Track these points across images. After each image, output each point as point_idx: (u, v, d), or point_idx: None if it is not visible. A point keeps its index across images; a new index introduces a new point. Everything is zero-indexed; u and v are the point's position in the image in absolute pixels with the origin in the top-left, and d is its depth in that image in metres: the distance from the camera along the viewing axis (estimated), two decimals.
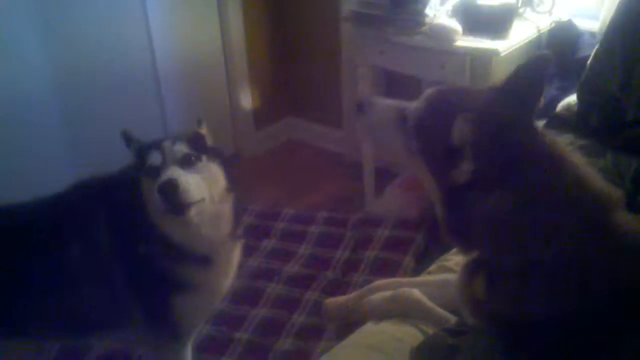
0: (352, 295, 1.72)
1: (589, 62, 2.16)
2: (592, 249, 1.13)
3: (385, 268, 2.65)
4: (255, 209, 3.18)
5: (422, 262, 2.67)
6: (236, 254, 1.91)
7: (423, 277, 1.69)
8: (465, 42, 2.50)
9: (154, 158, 1.67)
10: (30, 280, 1.73)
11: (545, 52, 1.75)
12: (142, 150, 1.72)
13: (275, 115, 3.87)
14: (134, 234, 1.75)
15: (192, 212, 1.64)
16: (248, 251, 2.86)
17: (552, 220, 1.13)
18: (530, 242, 1.14)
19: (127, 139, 1.77)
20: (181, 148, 1.68)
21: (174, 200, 1.60)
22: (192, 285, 1.79)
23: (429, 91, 1.28)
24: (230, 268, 1.90)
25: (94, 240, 1.69)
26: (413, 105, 1.28)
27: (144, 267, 1.76)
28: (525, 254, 1.15)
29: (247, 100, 3.68)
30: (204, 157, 1.71)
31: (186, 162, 1.67)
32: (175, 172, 1.63)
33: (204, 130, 1.81)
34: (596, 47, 2.16)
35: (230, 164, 1.84)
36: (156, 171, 1.64)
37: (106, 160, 1.81)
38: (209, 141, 1.80)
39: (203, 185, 1.68)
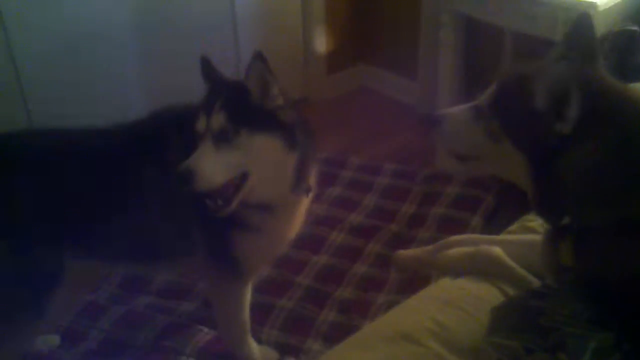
0: (427, 248, 1.65)
1: None
2: None
3: (452, 226, 2.57)
4: (322, 155, 3.11)
5: (491, 222, 2.59)
6: (302, 206, 1.85)
7: (503, 236, 1.61)
8: None
9: (199, 124, 1.60)
10: (104, 203, 1.73)
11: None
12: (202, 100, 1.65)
13: (349, 61, 3.77)
14: None
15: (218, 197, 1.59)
16: (313, 197, 2.83)
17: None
18: (622, 196, 1.12)
19: (205, 68, 1.70)
20: (220, 119, 1.56)
21: (192, 188, 1.54)
22: (254, 228, 1.76)
23: (498, 77, 1.30)
24: (294, 218, 1.85)
25: (167, 168, 1.65)
26: (487, 92, 1.28)
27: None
28: (618, 209, 1.12)
29: (321, 43, 3.59)
30: (243, 132, 1.56)
31: (223, 138, 1.56)
32: (202, 156, 1.55)
33: (253, 79, 1.60)
34: None
35: (294, 114, 1.69)
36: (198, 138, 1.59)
37: (179, 96, 1.76)
38: (273, 88, 1.60)
39: (241, 161, 1.58)
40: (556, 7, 2.34)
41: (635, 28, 2.39)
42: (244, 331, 2.03)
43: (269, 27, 3.33)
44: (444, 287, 1.46)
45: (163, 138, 1.74)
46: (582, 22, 1.26)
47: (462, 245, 1.54)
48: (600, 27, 2.36)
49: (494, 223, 2.50)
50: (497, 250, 1.46)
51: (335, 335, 2.11)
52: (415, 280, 2.16)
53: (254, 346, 2.08)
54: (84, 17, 2.67)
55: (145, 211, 1.75)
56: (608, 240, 1.14)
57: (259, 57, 1.57)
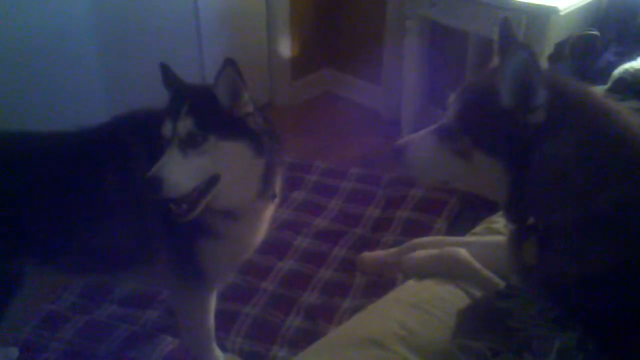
0: (391, 250, 1.65)
1: None
2: None
3: (417, 229, 2.57)
4: (287, 160, 3.10)
5: (455, 225, 2.60)
6: (267, 212, 1.83)
7: (468, 238, 1.62)
8: None
9: (166, 129, 1.56)
10: (64, 211, 1.68)
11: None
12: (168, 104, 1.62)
13: (314, 66, 3.76)
14: None
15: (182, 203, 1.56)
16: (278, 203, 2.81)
17: (610, 167, 1.12)
18: (585, 194, 1.13)
19: (166, 75, 1.67)
20: (188, 125, 1.53)
21: (159, 196, 1.51)
22: (219, 235, 1.73)
23: (454, 95, 1.31)
24: (259, 225, 1.82)
25: (130, 175, 1.63)
26: (449, 112, 1.28)
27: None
28: (580, 207, 1.13)
29: (286, 48, 3.57)
30: (211, 137, 1.54)
31: (190, 143, 1.53)
32: (169, 163, 1.52)
33: (224, 85, 1.57)
34: None
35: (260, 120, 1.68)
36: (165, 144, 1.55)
37: (141, 98, 1.71)
38: (243, 94, 1.60)
39: (209, 167, 1.56)
40: (519, 11, 2.36)
41: (595, 33, 2.43)
42: (208, 339, 2.00)
43: (233, 32, 3.30)
44: (410, 290, 1.46)
45: (124, 144, 1.70)
46: (505, 26, 1.31)
47: (427, 247, 1.54)
48: (562, 31, 2.40)
49: (458, 225, 2.51)
50: (463, 252, 1.46)
51: (301, 341, 2.10)
52: (380, 284, 2.15)
53: (218, 354, 2.05)
54: (44, 22, 2.60)
55: (105, 219, 1.70)
56: (570, 238, 1.15)
57: (230, 63, 1.55)
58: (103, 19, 2.77)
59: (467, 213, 2.65)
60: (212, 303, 1.95)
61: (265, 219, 1.84)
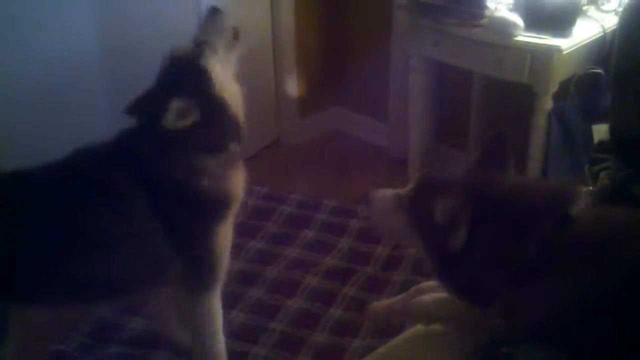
0: (398, 297, 1.64)
1: None
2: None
3: (427, 268, 2.56)
4: (296, 198, 3.12)
5: None
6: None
7: None
8: (525, 37, 2.40)
9: None
10: (60, 246, 1.69)
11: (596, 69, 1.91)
12: None
13: (321, 104, 3.79)
14: (172, 176, 1.77)
15: None
16: (287, 240, 2.84)
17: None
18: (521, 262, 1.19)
19: None
20: None
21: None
22: (230, 199, 1.85)
23: (417, 175, 1.42)
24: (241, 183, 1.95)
25: (127, 202, 1.72)
26: (405, 190, 1.39)
27: (187, 203, 1.78)
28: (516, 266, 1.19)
29: (293, 87, 3.61)
30: None
31: None
32: None
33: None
34: None
35: None
36: None
37: None
38: None
39: None
40: (522, 51, 2.39)
41: (599, 70, 2.46)
42: (221, 355, 2.04)
43: (240, 71, 3.34)
44: (417, 334, 1.45)
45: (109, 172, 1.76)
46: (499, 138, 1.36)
47: (434, 291, 1.54)
48: (566, 70, 2.43)
49: None
50: None
51: None
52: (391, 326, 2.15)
53: None
54: (52, 53, 2.65)
55: (108, 249, 1.73)
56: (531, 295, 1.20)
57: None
58: (111, 58, 2.81)
59: None
60: (219, 306, 2.01)
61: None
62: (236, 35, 1.94)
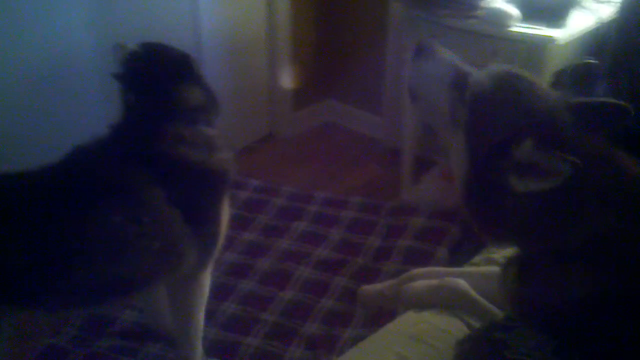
0: (389, 282, 1.64)
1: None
2: (627, 236, 1.09)
3: (417, 258, 2.57)
4: (288, 190, 3.12)
5: (456, 254, 2.59)
6: None
7: (467, 268, 1.61)
8: (520, 28, 2.39)
9: None
10: (66, 249, 1.63)
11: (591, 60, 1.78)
12: None
13: (315, 97, 3.78)
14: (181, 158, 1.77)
15: None
16: (278, 232, 2.83)
17: (586, 207, 1.10)
18: (564, 228, 1.12)
19: None
20: None
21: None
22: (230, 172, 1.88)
23: (498, 69, 1.20)
24: None
25: (141, 199, 1.69)
26: (478, 76, 1.21)
27: (197, 184, 1.79)
28: (557, 242, 1.13)
29: (287, 80, 3.59)
30: None
31: None
32: None
33: None
34: None
35: None
36: None
37: None
38: None
39: None
40: (517, 42, 2.38)
41: (593, 61, 2.45)
42: (199, 334, 2.03)
43: (234, 63, 3.33)
44: (409, 321, 1.44)
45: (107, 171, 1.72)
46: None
47: (425, 278, 1.53)
48: (560, 60, 2.41)
49: (460, 254, 2.50)
50: (462, 282, 1.45)
51: None
52: (382, 314, 2.14)
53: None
54: (46, 50, 2.61)
55: (123, 249, 1.68)
56: (549, 269, 1.15)
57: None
58: (105, 53, 2.78)
59: (468, 242, 2.65)
60: (209, 281, 2.00)
61: None
62: None
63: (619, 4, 2.37)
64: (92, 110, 2.80)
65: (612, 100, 1.15)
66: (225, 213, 1.92)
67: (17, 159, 1.71)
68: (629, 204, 1.11)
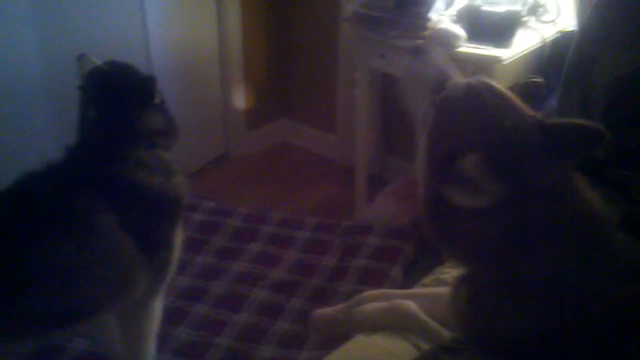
0: (340, 307, 1.63)
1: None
2: (585, 269, 1.09)
3: (372, 277, 2.57)
4: (243, 211, 3.09)
5: (411, 273, 2.60)
6: None
7: (417, 289, 1.61)
8: (468, 48, 2.43)
9: None
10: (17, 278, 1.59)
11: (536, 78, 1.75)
12: None
13: (269, 117, 3.78)
14: (132, 185, 1.74)
15: None
16: (233, 254, 2.80)
17: (542, 239, 1.09)
18: (515, 259, 1.10)
19: None
20: None
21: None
22: (184, 200, 1.88)
23: (476, 80, 1.20)
24: None
25: (89, 225, 1.65)
26: (454, 82, 1.21)
27: (150, 211, 1.77)
28: (508, 270, 1.12)
29: (240, 99, 3.59)
30: None
31: None
32: None
33: None
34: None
35: None
36: None
37: None
38: None
39: None
40: (464, 62, 2.42)
41: (539, 80, 2.49)
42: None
43: (186, 84, 3.31)
44: (360, 344, 1.43)
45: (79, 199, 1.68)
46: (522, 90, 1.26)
47: (376, 300, 1.53)
48: (507, 79, 2.46)
49: (414, 273, 2.51)
50: (411, 304, 1.45)
51: None
52: (336, 336, 2.13)
53: None
54: None
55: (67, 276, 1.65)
56: (496, 295, 1.15)
57: None
58: (52, 73, 2.74)
59: (422, 260, 2.66)
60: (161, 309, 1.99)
61: None
62: None
63: (568, 23, 2.44)
64: (42, 131, 2.76)
65: (589, 123, 1.12)
66: (179, 238, 1.90)
67: None
68: (583, 241, 1.10)
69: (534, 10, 2.58)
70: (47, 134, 2.76)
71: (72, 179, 1.70)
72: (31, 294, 1.59)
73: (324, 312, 1.66)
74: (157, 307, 1.95)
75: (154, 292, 1.89)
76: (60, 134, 2.75)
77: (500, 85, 1.21)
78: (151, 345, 1.99)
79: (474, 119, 1.13)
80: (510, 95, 1.18)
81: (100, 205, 1.67)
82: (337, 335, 1.97)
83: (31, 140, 2.70)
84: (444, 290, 1.46)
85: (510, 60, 2.39)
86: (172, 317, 2.32)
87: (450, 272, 1.62)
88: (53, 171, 1.73)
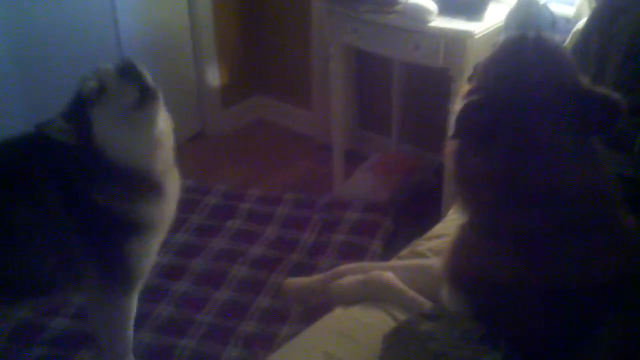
0: (316, 277, 1.66)
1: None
2: (575, 237, 1.12)
3: (352, 252, 2.60)
4: (221, 189, 3.10)
5: (390, 247, 2.63)
6: (177, 183, 1.93)
7: (393, 262, 1.64)
8: (439, 22, 2.44)
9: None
10: None
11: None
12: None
13: (244, 94, 3.77)
14: (85, 184, 1.70)
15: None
16: (212, 232, 2.81)
17: (538, 196, 1.15)
18: (509, 209, 1.17)
19: None
20: None
21: (142, 79, 1.65)
22: (147, 223, 1.78)
23: (516, 33, 1.27)
24: (174, 199, 1.90)
25: (39, 196, 1.65)
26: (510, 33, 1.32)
27: (99, 216, 1.72)
28: (502, 218, 1.18)
29: (214, 77, 3.58)
30: None
31: None
32: None
33: None
34: (571, 36, 2.10)
35: None
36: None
37: None
38: None
39: None
40: (437, 37, 2.43)
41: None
42: (127, 348, 2.01)
43: (159, 62, 3.27)
44: (336, 318, 1.46)
45: (30, 163, 1.69)
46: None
47: (353, 273, 1.56)
48: (478, 53, 2.48)
49: (393, 246, 2.55)
50: (389, 275, 1.48)
51: None
52: (317, 310, 2.16)
53: None
54: None
55: (16, 243, 1.68)
56: (481, 242, 1.21)
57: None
58: (19, 51, 2.71)
59: (402, 234, 2.70)
60: (134, 307, 1.97)
61: (177, 194, 1.93)
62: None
63: None
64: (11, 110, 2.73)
65: (612, 95, 1.18)
66: (144, 246, 1.85)
67: None
68: (582, 211, 1.16)
69: None
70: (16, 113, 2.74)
71: (34, 152, 1.72)
72: None
73: (296, 281, 1.68)
74: (127, 307, 1.94)
75: (113, 292, 1.89)
76: (29, 113, 2.76)
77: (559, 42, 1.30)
78: (125, 339, 1.99)
79: (500, 65, 1.23)
80: (565, 54, 1.25)
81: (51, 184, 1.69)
82: (312, 306, 2.02)
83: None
84: (421, 261, 1.50)
85: (482, 34, 2.41)
86: (152, 294, 2.33)
87: (426, 244, 1.66)
88: (18, 144, 1.75)
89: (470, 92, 1.27)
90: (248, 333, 2.30)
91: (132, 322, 1.99)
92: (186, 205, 2.94)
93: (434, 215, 2.54)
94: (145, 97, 1.69)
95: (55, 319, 2.35)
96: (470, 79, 1.41)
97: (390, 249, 2.57)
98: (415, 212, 2.91)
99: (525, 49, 1.21)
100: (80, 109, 1.68)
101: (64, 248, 1.73)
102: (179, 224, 2.81)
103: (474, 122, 1.19)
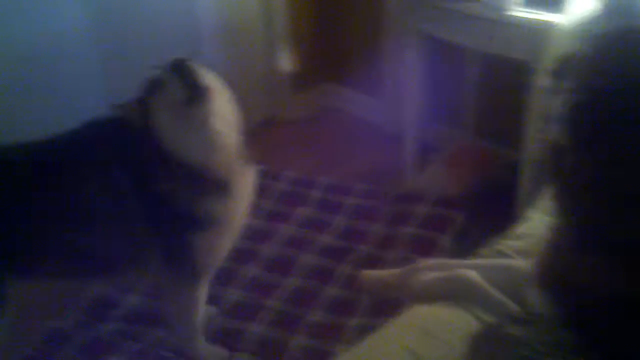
0: (394, 271, 1.63)
1: None
2: None
3: (421, 246, 2.55)
4: (290, 175, 3.10)
5: (460, 243, 2.59)
6: (250, 181, 1.93)
7: (475, 260, 1.60)
8: (521, 12, 2.37)
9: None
10: (46, 219, 1.71)
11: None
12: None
13: (315, 81, 3.76)
14: (153, 173, 1.73)
15: (212, 97, 1.67)
16: (281, 218, 2.82)
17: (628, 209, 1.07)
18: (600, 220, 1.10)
19: None
20: None
21: (192, 77, 1.63)
22: (212, 220, 1.79)
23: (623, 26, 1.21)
24: (246, 196, 1.92)
25: (111, 180, 1.70)
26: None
27: (165, 206, 1.75)
28: (602, 227, 1.11)
29: (286, 63, 3.58)
30: None
31: None
32: None
33: None
34: None
35: None
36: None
37: None
38: None
39: None
40: (518, 26, 2.36)
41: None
42: (195, 331, 2.06)
43: (232, 46, 3.31)
44: (418, 314, 1.43)
45: (105, 147, 1.75)
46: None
47: (433, 269, 1.53)
48: (561, 45, 2.39)
49: (463, 244, 2.50)
50: (473, 274, 1.44)
51: None
52: (387, 302, 2.14)
53: (204, 344, 2.10)
54: (41, 27, 2.62)
55: (90, 222, 1.74)
56: (586, 252, 1.14)
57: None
58: (103, 38, 2.77)
59: (473, 231, 2.64)
60: (204, 293, 2.01)
61: (250, 191, 1.96)
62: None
63: None
64: (87, 85, 2.80)
65: None
66: (209, 240, 1.88)
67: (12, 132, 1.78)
68: None
69: None
70: (92, 85, 2.80)
71: (111, 137, 1.77)
72: (60, 228, 1.73)
73: (375, 273, 1.66)
74: (193, 297, 1.99)
75: (178, 281, 1.93)
76: (105, 85, 2.82)
77: None
78: (191, 321, 2.05)
79: (607, 62, 1.14)
80: None
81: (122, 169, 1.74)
82: (388, 300, 2.00)
83: (75, 91, 2.77)
84: (506, 261, 1.46)
85: (565, 25, 2.32)
86: (221, 278, 2.35)
87: (507, 243, 1.61)
88: (97, 127, 1.80)
89: (567, 90, 1.18)
90: (316, 322, 2.29)
91: (199, 309, 2.02)
92: (255, 190, 2.97)
93: (506, 214, 2.47)
94: (195, 95, 1.68)
95: (129, 296, 2.41)
96: (556, 73, 1.32)
97: (460, 246, 2.53)
98: (486, 209, 2.84)
99: (637, 44, 1.13)
100: (144, 96, 1.73)
101: (130, 234, 1.78)
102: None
103: (580, 123, 1.12)
